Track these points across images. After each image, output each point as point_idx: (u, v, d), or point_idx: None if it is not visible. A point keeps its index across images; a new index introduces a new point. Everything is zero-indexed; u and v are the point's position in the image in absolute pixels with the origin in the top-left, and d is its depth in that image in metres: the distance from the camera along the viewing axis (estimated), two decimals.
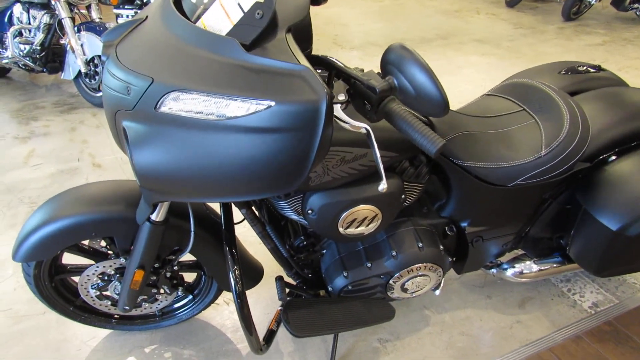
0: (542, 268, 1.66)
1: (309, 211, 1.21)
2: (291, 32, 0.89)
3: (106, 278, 1.44)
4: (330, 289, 1.45)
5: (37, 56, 3.16)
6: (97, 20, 3.12)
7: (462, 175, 1.35)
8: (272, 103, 0.81)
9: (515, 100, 1.51)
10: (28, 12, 3.15)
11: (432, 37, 4.86)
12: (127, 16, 3.44)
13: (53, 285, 1.44)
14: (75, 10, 3.08)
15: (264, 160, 0.85)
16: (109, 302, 1.51)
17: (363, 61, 4.20)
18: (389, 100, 0.90)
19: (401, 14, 5.64)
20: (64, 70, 3.20)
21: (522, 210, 1.52)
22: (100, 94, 3.11)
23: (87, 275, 1.41)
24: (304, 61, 0.84)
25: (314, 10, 5.60)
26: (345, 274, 1.40)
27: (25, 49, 3.14)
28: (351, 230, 1.26)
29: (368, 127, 0.91)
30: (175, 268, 1.49)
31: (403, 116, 0.87)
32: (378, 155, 0.91)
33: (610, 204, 1.40)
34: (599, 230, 1.43)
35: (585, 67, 1.71)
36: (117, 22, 3.39)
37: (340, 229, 1.24)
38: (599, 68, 1.72)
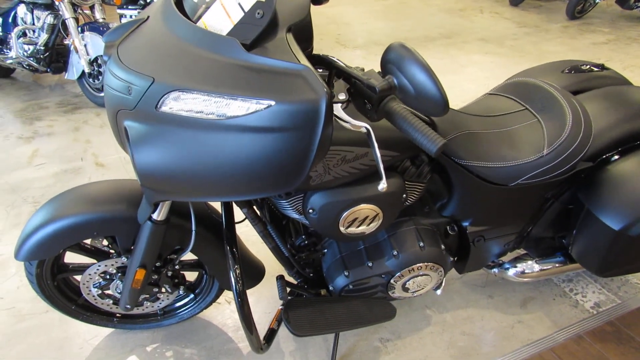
0: (544, 268, 1.65)
1: (310, 210, 1.21)
2: (291, 31, 0.89)
3: (108, 277, 1.45)
4: (331, 288, 1.45)
5: (41, 56, 3.17)
6: (101, 20, 3.13)
7: (463, 175, 1.35)
8: (272, 102, 0.81)
9: (517, 99, 1.50)
10: (32, 13, 3.17)
11: (435, 36, 4.85)
12: (131, 16, 3.45)
13: (55, 284, 1.45)
14: (79, 11, 3.09)
15: (264, 159, 0.85)
16: (111, 301, 1.51)
17: (366, 60, 4.20)
18: (390, 99, 0.90)
19: (405, 13, 5.63)
20: (68, 71, 3.22)
21: (524, 210, 1.51)
22: (103, 94, 3.12)
23: (89, 274, 1.42)
24: (304, 61, 0.84)
25: (316, 9, 5.59)
26: (346, 273, 1.40)
27: (29, 49, 3.16)
28: (352, 230, 1.26)
29: (368, 127, 0.91)
30: (177, 267, 1.49)
31: (403, 115, 0.87)
32: (378, 154, 0.91)
33: (613, 204, 1.39)
34: (601, 230, 1.42)
35: (588, 66, 1.70)
36: (120, 23, 3.40)
37: (341, 229, 1.24)
38: (602, 67, 1.71)
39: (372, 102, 0.91)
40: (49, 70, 3.26)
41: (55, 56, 3.24)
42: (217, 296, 1.62)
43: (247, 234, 2.08)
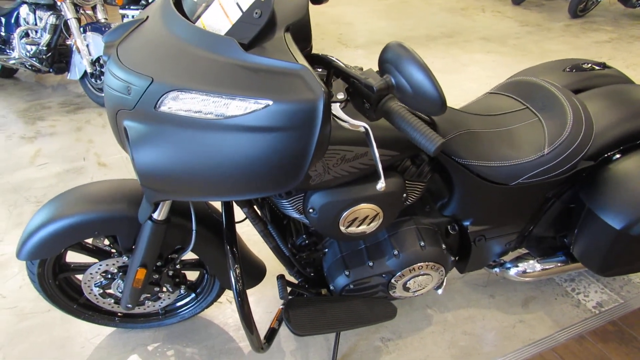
0: (546, 267, 1.65)
1: (310, 210, 1.21)
2: (290, 31, 0.89)
3: (109, 276, 1.45)
4: (332, 287, 1.45)
5: (44, 57, 3.18)
6: (103, 20, 3.14)
7: (464, 174, 1.35)
8: (270, 102, 0.82)
9: (518, 98, 1.50)
10: (34, 13, 3.18)
11: (437, 35, 4.84)
12: (133, 17, 3.45)
13: (57, 283, 1.45)
14: (81, 11, 3.10)
15: (262, 159, 0.85)
16: (112, 300, 1.52)
17: (368, 60, 4.19)
18: (388, 98, 0.90)
19: (406, 12, 5.62)
20: (70, 71, 3.23)
21: (525, 209, 1.51)
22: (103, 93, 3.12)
23: (91, 274, 1.42)
24: (302, 60, 0.84)
25: (319, 9, 5.59)
26: (347, 272, 1.40)
27: (31, 49, 3.17)
28: (352, 229, 1.26)
29: (367, 126, 0.91)
30: (178, 266, 1.50)
31: (402, 115, 0.87)
32: (377, 153, 0.91)
33: (614, 203, 1.38)
34: (603, 229, 1.41)
35: (590, 65, 1.70)
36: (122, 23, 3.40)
37: (342, 228, 1.24)
38: (604, 65, 1.70)
39: (370, 101, 0.91)
40: (51, 70, 3.27)
41: (58, 56, 3.25)
42: (218, 295, 1.62)
43: (249, 233, 2.08)
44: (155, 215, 1.23)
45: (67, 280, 1.52)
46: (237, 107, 0.83)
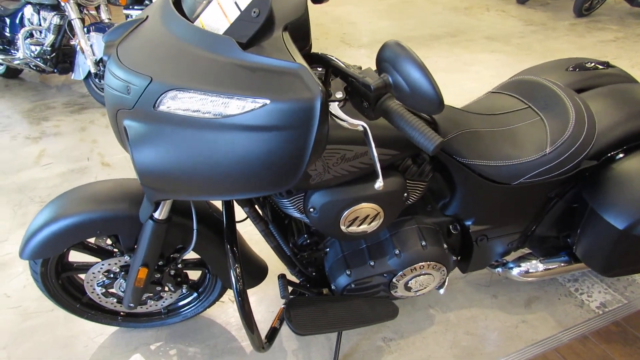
0: (549, 267, 1.64)
1: (311, 209, 1.21)
2: (288, 30, 0.89)
3: (112, 276, 1.46)
4: (333, 287, 1.45)
5: (48, 57, 3.20)
6: (107, 21, 3.15)
7: (465, 173, 1.34)
8: (267, 101, 0.82)
9: (520, 97, 1.49)
10: (38, 14, 3.20)
11: (440, 35, 4.83)
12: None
13: (60, 282, 1.46)
14: (85, 12, 3.12)
15: (259, 158, 0.85)
16: (115, 300, 1.52)
17: (371, 59, 4.19)
18: (387, 97, 0.90)
19: (409, 12, 5.61)
20: (74, 71, 3.24)
21: (527, 209, 1.50)
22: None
23: (93, 273, 1.43)
24: (299, 59, 0.84)
25: (322, 8, 5.59)
26: (348, 272, 1.40)
27: (36, 50, 3.18)
28: (353, 229, 1.26)
29: (365, 125, 0.91)
30: (179, 266, 1.50)
31: (400, 113, 0.87)
32: (375, 152, 0.91)
33: (617, 203, 1.38)
34: (606, 229, 1.41)
35: (593, 64, 1.69)
36: None
37: (342, 227, 1.24)
38: (607, 64, 1.69)
39: (369, 100, 0.91)
40: (55, 70, 3.29)
41: (62, 57, 3.27)
42: (220, 295, 1.62)
43: (251, 233, 2.09)
44: (156, 215, 1.23)
45: (70, 280, 1.53)
46: (235, 106, 0.83)
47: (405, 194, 1.28)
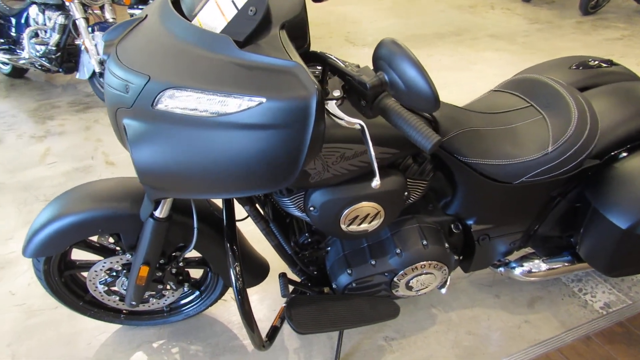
0: (551, 267, 1.63)
1: (311, 208, 1.21)
2: (285, 28, 0.89)
3: (114, 274, 1.46)
4: (334, 286, 1.45)
5: (53, 56, 3.21)
6: (111, 20, 3.16)
7: (467, 172, 1.34)
8: (264, 99, 0.82)
9: (522, 96, 1.49)
10: (43, 13, 3.21)
11: (445, 33, 4.81)
12: None
13: (63, 280, 1.47)
14: (89, 11, 3.12)
15: (256, 156, 0.85)
16: (117, 298, 1.53)
17: None
18: (384, 96, 0.89)
19: (414, 10, 5.59)
20: (79, 70, 3.26)
21: (529, 208, 1.49)
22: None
23: (95, 271, 1.44)
24: (295, 57, 0.84)
25: (326, 8, 5.59)
26: (349, 271, 1.40)
27: (41, 49, 3.20)
28: (354, 228, 1.26)
29: (362, 123, 0.91)
30: (181, 264, 1.51)
31: (398, 112, 0.87)
32: (372, 151, 0.91)
33: (620, 202, 1.36)
34: (609, 228, 1.40)
35: (597, 62, 1.67)
36: None
37: (343, 226, 1.24)
38: (611, 62, 1.68)
39: (366, 98, 0.90)
40: (60, 70, 3.31)
41: (67, 56, 3.28)
42: (222, 293, 1.63)
43: (253, 231, 2.08)
44: (156, 213, 1.24)
45: (73, 278, 1.54)
46: (231, 105, 0.83)
47: (406, 193, 1.27)
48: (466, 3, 5.89)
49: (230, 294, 1.82)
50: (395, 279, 1.41)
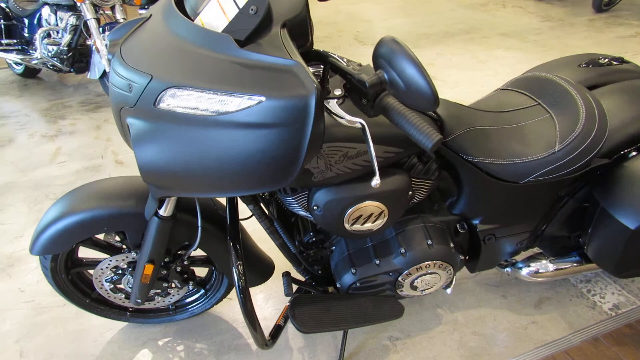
0: (559, 267, 1.61)
1: (315, 207, 1.21)
2: (286, 27, 0.89)
3: (119, 272, 1.48)
4: (338, 285, 1.44)
5: (65, 57, 3.25)
6: (122, 21, 3.19)
7: (472, 172, 1.33)
8: (263, 98, 0.82)
9: (530, 94, 1.47)
10: (55, 14, 3.25)
11: (455, 32, 4.77)
12: None
13: (69, 278, 1.48)
14: (100, 12, 3.16)
15: (256, 155, 0.85)
16: (123, 295, 1.54)
17: None
18: (385, 94, 0.89)
19: (425, 9, 5.55)
20: (90, 70, 3.29)
21: (536, 208, 1.47)
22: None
23: (101, 269, 1.45)
24: (295, 56, 0.84)
25: (336, 7, 5.58)
26: (353, 270, 1.39)
27: (53, 49, 3.24)
28: (357, 227, 1.25)
29: (363, 122, 0.90)
30: (186, 263, 1.51)
31: (399, 110, 0.86)
32: (372, 150, 0.90)
33: (629, 202, 1.34)
34: (617, 229, 1.37)
35: (607, 60, 1.65)
36: None
37: (346, 225, 1.24)
38: (621, 60, 1.65)
39: (367, 97, 0.90)
40: (72, 70, 3.34)
41: (78, 56, 3.32)
42: (228, 292, 1.63)
43: (259, 231, 2.09)
44: (161, 212, 1.24)
45: (80, 275, 1.55)
46: (231, 104, 0.83)
47: (410, 192, 1.27)
48: (477, 1, 5.84)
49: (235, 292, 1.82)
50: (399, 279, 1.41)
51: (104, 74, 3.24)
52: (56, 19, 3.27)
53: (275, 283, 1.86)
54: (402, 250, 1.36)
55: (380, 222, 1.27)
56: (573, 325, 1.69)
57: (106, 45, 3.05)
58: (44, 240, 1.31)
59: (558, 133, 1.32)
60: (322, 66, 1.12)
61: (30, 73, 3.72)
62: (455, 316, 1.73)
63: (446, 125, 1.27)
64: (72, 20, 3.15)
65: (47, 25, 3.31)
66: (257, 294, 1.83)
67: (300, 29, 0.94)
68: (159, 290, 1.53)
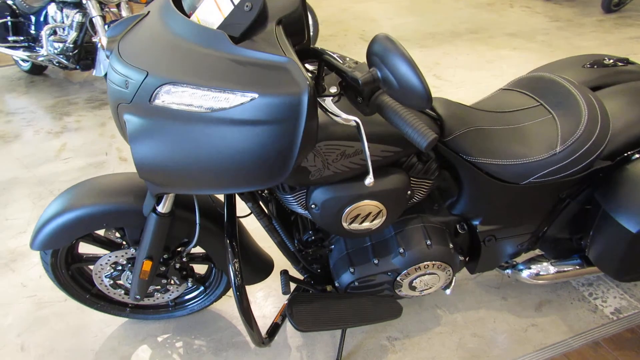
0: (560, 270, 1.60)
1: (313, 206, 1.21)
2: (282, 24, 0.89)
3: (119, 268, 1.48)
4: (337, 284, 1.44)
5: (70, 54, 3.27)
6: None
7: (472, 172, 1.32)
8: (256, 95, 0.81)
9: (532, 94, 1.46)
10: (62, 12, 3.27)
11: (462, 31, 4.74)
12: None
13: (70, 273, 1.49)
14: (106, 9, 3.17)
15: (249, 152, 0.85)
16: (123, 291, 1.55)
17: None
18: (380, 93, 0.88)
19: (432, 8, 5.53)
20: (96, 68, 3.31)
21: (537, 210, 1.46)
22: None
23: (101, 265, 1.46)
24: (289, 53, 0.83)
25: (342, 5, 5.57)
26: (351, 269, 1.39)
27: (59, 47, 3.26)
28: (355, 226, 1.25)
29: (358, 120, 0.90)
30: (185, 260, 1.52)
31: (394, 109, 0.86)
32: (367, 149, 0.90)
33: (631, 205, 1.33)
34: (619, 232, 1.36)
35: (612, 60, 1.63)
36: None
37: (344, 224, 1.24)
38: (627, 61, 1.63)
39: (362, 95, 0.90)
40: (78, 67, 3.36)
41: (84, 54, 3.33)
42: (227, 289, 1.64)
43: (260, 228, 2.09)
44: (159, 209, 1.25)
45: (80, 271, 1.56)
46: (225, 100, 0.83)
47: (409, 192, 1.26)
48: (485, 1, 5.80)
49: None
50: (398, 279, 1.40)
51: None
52: (62, 16, 3.29)
53: (275, 281, 1.86)
54: (401, 250, 1.35)
55: (378, 222, 1.26)
56: (573, 329, 1.68)
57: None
58: (44, 235, 1.32)
59: (559, 134, 1.31)
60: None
61: (36, 70, 3.75)
62: (454, 317, 1.72)
63: (446, 125, 1.26)
64: (78, 17, 3.17)
65: (54, 22, 3.33)
66: (257, 292, 1.83)
67: (296, 26, 0.94)
68: (158, 287, 1.54)
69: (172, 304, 1.68)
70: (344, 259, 1.42)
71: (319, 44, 4.35)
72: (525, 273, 1.61)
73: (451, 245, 1.39)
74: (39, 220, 1.35)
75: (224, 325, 1.71)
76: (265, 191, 1.38)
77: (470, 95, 3.42)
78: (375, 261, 1.38)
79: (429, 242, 1.36)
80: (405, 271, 1.38)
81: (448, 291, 1.54)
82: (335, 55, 0.99)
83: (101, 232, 1.46)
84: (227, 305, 1.78)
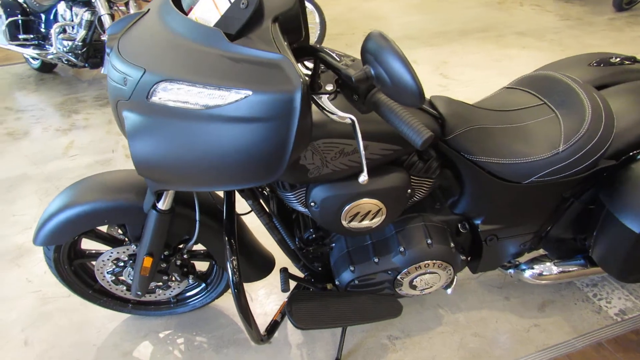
0: (563, 270, 1.58)
1: (312, 204, 1.21)
2: (278, 21, 0.89)
3: (121, 264, 1.49)
4: (337, 282, 1.44)
5: (79, 52, 3.30)
6: None
7: (474, 171, 1.31)
8: (250, 92, 0.82)
9: (535, 93, 1.44)
10: (71, 10, 3.30)
11: (470, 30, 4.71)
12: None
13: (72, 269, 1.51)
14: (114, 8, 3.20)
15: (243, 149, 0.85)
16: (124, 287, 1.56)
17: None
18: (376, 90, 0.88)
19: (441, 6, 5.49)
20: (104, 66, 3.33)
21: (540, 209, 1.45)
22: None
23: (103, 261, 1.47)
24: (284, 50, 0.83)
25: (351, 4, 5.55)
26: (352, 268, 1.39)
27: (68, 45, 3.29)
28: (355, 224, 1.24)
29: (353, 118, 0.90)
30: (186, 256, 1.52)
31: (389, 106, 0.85)
32: (361, 146, 0.90)
33: (635, 205, 1.31)
34: (623, 232, 1.34)
35: (619, 59, 1.61)
36: None
37: (344, 222, 1.23)
38: (634, 60, 1.61)
39: (358, 93, 0.89)
40: (86, 65, 3.39)
41: (93, 52, 3.36)
42: (229, 286, 1.64)
43: (262, 226, 2.10)
44: (159, 205, 1.25)
45: (83, 266, 1.58)
46: (220, 98, 0.84)
47: (410, 191, 1.25)
48: None
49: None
50: (398, 278, 1.40)
51: None
52: (71, 15, 3.32)
53: (276, 279, 1.86)
54: (402, 249, 1.35)
55: (378, 220, 1.26)
56: (577, 330, 1.66)
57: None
58: (47, 231, 1.33)
59: (563, 133, 1.29)
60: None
61: (46, 68, 3.79)
62: (456, 317, 1.71)
63: (448, 123, 1.25)
64: (87, 15, 3.20)
65: (63, 20, 3.36)
66: (259, 289, 1.84)
67: (293, 23, 0.94)
68: (160, 283, 1.55)
69: (174, 300, 1.69)
70: (345, 257, 1.41)
71: (326, 43, 4.35)
72: (528, 273, 1.59)
73: (452, 245, 1.38)
74: (41, 216, 1.37)
75: (226, 322, 1.72)
76: (266, 189, 1.39)
77: (477, 94, 3.39)
78: (376, 260, 1.37)
79: (429, 241, 1.35)
80: (405, 270, 1.37)
81: (449, 290, 1.54)
82: (333, 54, 0.99)
83: (103, 228, 1.48)
84: (229, 302, 1.79)
